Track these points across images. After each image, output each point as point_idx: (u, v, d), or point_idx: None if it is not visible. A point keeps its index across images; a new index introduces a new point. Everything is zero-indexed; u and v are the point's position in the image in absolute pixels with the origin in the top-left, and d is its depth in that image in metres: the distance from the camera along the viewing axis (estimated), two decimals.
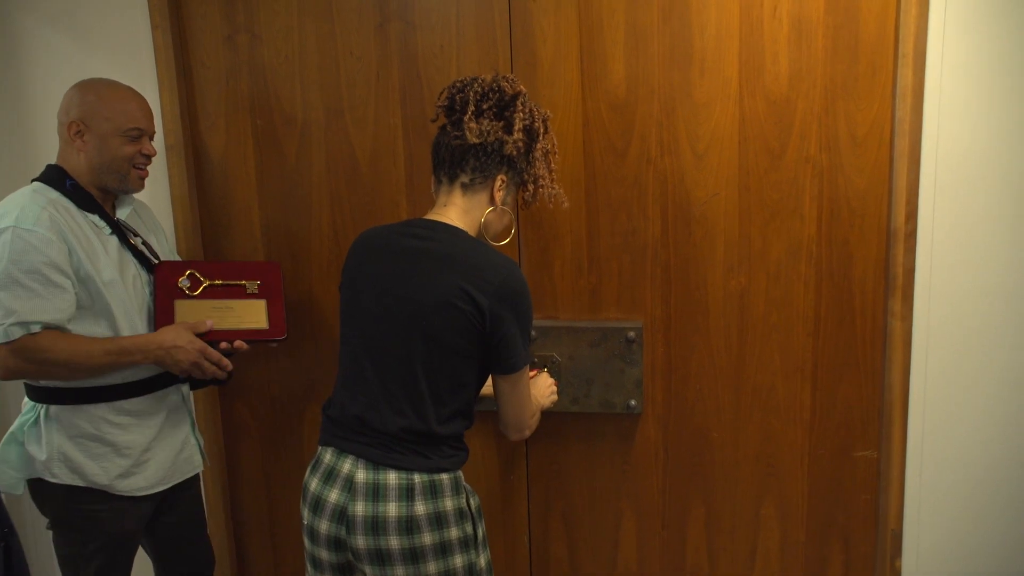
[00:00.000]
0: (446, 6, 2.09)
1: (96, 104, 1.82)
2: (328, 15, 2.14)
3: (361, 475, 1.57)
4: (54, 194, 1.82)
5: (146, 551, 2.11)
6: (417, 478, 1.56)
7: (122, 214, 1.94)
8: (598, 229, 2.11)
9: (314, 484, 1.63)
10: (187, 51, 2.23)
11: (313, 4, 2.15)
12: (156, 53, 2.20)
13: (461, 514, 1.60)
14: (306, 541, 1.66)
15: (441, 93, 1.74)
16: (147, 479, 1.92)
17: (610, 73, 2.04)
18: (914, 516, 2.09)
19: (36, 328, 1.72)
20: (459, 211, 1.67)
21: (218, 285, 2.02)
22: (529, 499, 2.29)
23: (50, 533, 1.92)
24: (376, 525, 1.54)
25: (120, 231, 1.91)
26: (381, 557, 1.55)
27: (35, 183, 1.85)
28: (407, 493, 1.55)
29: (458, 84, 1.71)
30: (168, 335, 1.83)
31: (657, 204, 2.07)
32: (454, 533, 1.58)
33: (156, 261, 2.00)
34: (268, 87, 2.21)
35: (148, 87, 2.17)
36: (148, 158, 1.90)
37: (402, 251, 1.62)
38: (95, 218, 1.86)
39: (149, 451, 1.92)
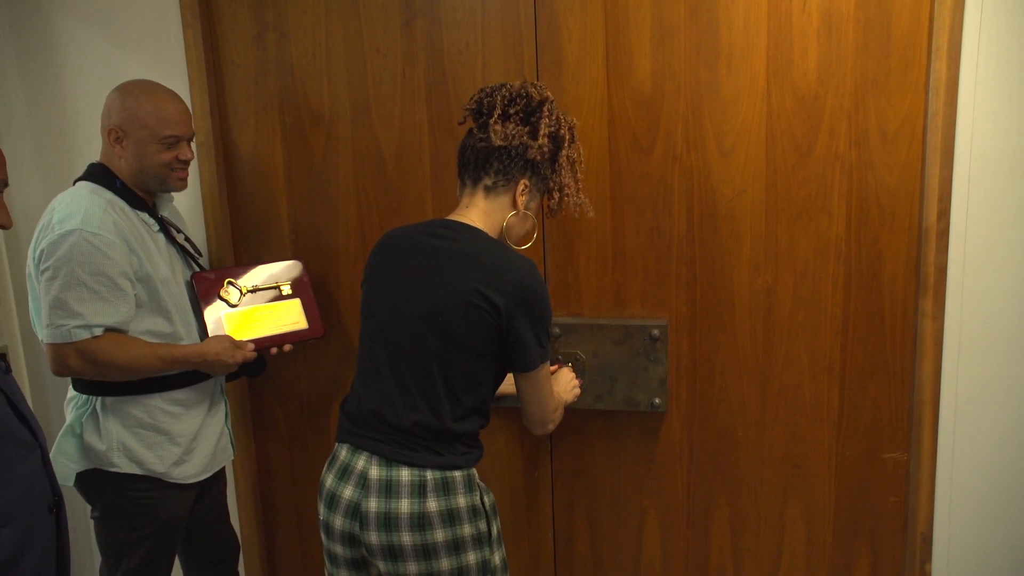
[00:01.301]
0: (472, 3, 2.09)
1: (134, 111, 1.86)
2: (355, 12, 2.16)
3: (375, 472, 1.59)
4: (108, 194, 1.87)
5: None
6: (430, 475, 1.57)
7: (164, 211, 2.01)
8: (623, 226, 2.09)
9: (329, 480, 1.66)
10: (217, 49, 2.26)
11: (340, 1, 2.16)
12: (187, 51, 2.23)
13: (474, 511, 1.61)
14: (323, 536, 1.69)
15: (471, 98, 1.74)
16: (195, 467, 2.00)
17: (636, 69, 2.02)
18: (944, 520, 2.04)
19: (99, 331, 1.77)
20: (480, 213, 1.68)
21: (255, 290, 2.07)
22: (553, 497, 2.29)
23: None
24: (389, 521, 1.56)
25: (165, 228, 1.97)
26: (394, 553, 1.57)
27: (88, 183, 1.88)
28: (419, 490, 1.56)
29: (487, 89, 1.72)
30: (213, 346, 1.91)
31: (683, 201, 2.05)
32: (467, 530, 1.59)
33: (198, 256, 2.06)
34: (296, 84, 2.23)
35: (179, 85, 2.21)
36: (186, 162, 1.94)
37: (422, 250, 1.64)
38: (145, 216, 1.92)
39: (196, 439, 2.00)
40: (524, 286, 1.58)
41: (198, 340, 1.97)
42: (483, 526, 1.63)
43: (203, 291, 1.99)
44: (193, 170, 2.26)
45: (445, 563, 1.57)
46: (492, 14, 2.08)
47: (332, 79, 2.21)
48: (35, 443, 1.41)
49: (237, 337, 1.99)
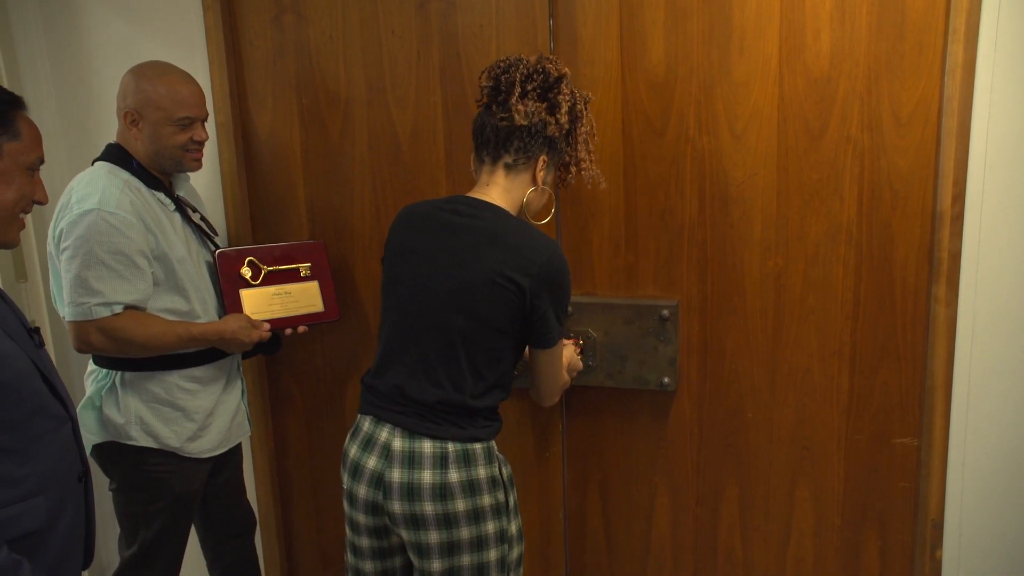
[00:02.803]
0: None
1: (149, 93, 1.89)
2: None
3: (398, 443, 1.62)
4: (125, 174, 1.90)
5: None
6: (451, 447, 1.61)
7: (180, 191, 2.04)
8: (636, 208, 2.10)
9: (353, 451, 1.70)
10: (236, 31, 2.29)
11: None
12: (207, 33, 2.27)
13: (493, 482, 1.65)
14: (345, 505, 1.73)
15: (483, 73, 1.75)
16: (210, 442, 2.04)
17: (649, 52, 2.02)
18: (956, 506, 2.04)
19: (118, 309, 1.82)
20: (501, 190, 1.70)
21: (275, 271, 2.10)
22: (565, 471, 2.32)
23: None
24: (411, 491, 1.60)
25: (181, 207, 2.00)
26: (416, 522, 1.61)
27: (106, 163, 1.92)
28: (441, 461, 1.60)
29: (502, 64, 1.71)
30: (230, 324, 1.96)
31: (695, 183, 2.05)
32: (486, 500, 1.63)
33: (214, 235, 2.09)
34: (313, 66, 2.26)
35: (199, 66, 2.25)
36: (200, 143, 1.97)
37: (445, 227, 1.66)
38: (161, 195, 1.96)
39: (212, 415, 2.04)
40: (550, 267, 1.61)
41: (215, 318, 2.02)
42: (501, 496, 1.67)
43: (224, 269, 2.03)
44: (212, 150, 2.29)
45: (465, 532, 1.61)
46: None
47: (348, 61, 2.23)
48: (67, 416, 1.47)
49: (254, 316, 2.03)
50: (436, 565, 1.62)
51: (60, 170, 2.45)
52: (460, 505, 1.60)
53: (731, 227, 2.05)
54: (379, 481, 1.63)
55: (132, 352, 1.88)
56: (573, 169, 1.76)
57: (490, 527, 1.63)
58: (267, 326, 2.01)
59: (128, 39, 2.33)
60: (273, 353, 2.15)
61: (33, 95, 2.44)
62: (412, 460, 1.61)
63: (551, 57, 1.74)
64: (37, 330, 1.47)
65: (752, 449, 2.16)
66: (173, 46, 2.29)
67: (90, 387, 1.99)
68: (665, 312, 2.08)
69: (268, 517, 2.54)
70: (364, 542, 1.71)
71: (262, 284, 2.08)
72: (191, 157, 1.96)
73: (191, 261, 1.97)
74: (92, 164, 1.95)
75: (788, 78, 1.94)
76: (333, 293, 2.19)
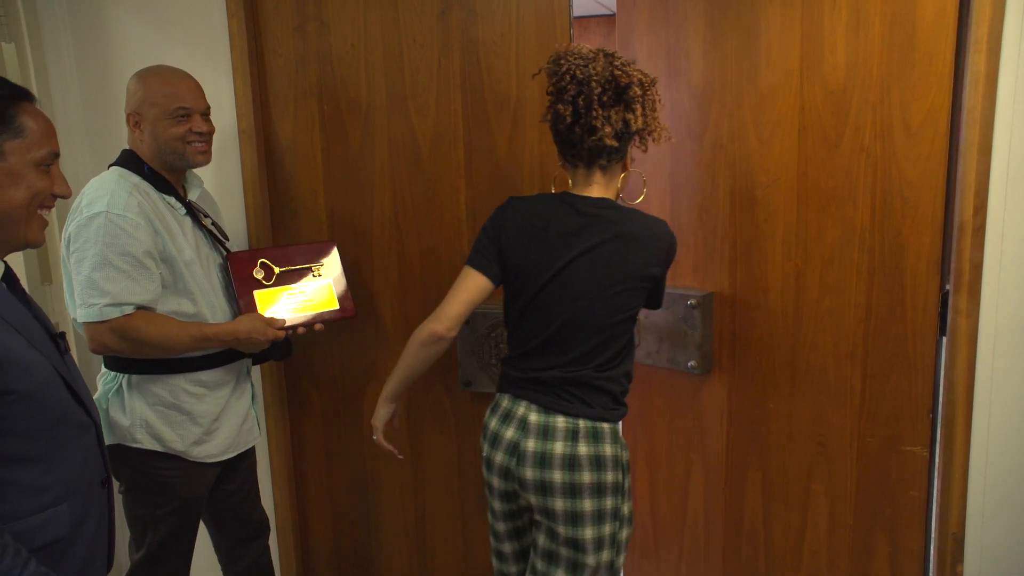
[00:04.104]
0: None
1: (144, 93, 1.92)
2: (392, 3, 2.20)
3: (534, 417, 1.78)
4: (135, 178, 1.92)
5: (203, 518, 2.21)
6: (582, 424, 1.75)
7: (193, 195, 2.05)
8: (680, 206, 2.20)
9: (493, 423, 1.85)
10: (260, 39, 2.32)
11: None
12: (231, 41, 2.30)
13: (616, 462, 1.78)
14: (484, 470, 1.88)
15: (560, 92, 1.71)
16: (216, 447, 2.04)
17: (692, 68, 2.11)
18: (977, 520, 2.01)
19: (129, 309, 1.83)
20: (602, 187, 1.81)
21: (288, 271, 2.11)
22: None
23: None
24: (543, 459, 1.75)
25: (192, 212, 2.02)
26: (545, 488, 1.75)
27: (117, 168, 1.95)
28: (572, 435, 1.75)
29: (574, 82, 1.70)
30: (244, 324, 1.95)
31: (727, 186, 2.14)
32: (609, 477, 1.76)
33: (225, 240, 2.10)
34: (335, 74, 2.28)
35: (223, 73, 2.28)
36: (202, 135, 1.96)
37: (582, 225, 1.76)
38: (171, 199, 1.97)
39: (218, 420, 2.03)
40: (672, 250, 1.82)
41: (222, 321, 2.01)
42: (620, 476, 1.79)
43: (237, 270, 2.04)
44: (234, 156, 2.32)
45: (587, 503, 1.74)
46: (526, 5, 2.11)
47: (370, 69, 2.25)
48: (90, 422, 1.45)
49: (270, 316, 2.03)
50: (561, 530, 1.76)
51: (84, 171, 2.48)
52: (586, 477, 1.73)
53: (757, 227, 2.12)
54: (514, 449, 1.79)
55: (146, 352, 1.89)
56: (649, 139, 1.83)
57: (608, 503, 1.76)
58: (283, 322, 2.01)
59: (154, 46, 2.37)
60: (284, 358, 2.13)
61: (61, 98, 2.48)
62: (546, 432, 1.75)
63: (617, 61, 1.73)
64: (63, 335, 1.46)
65: (773, 438, 2.21)
66: (197, 54, 2.32)
67: (99, 389, 2.01)
68: (692, 301, 2.17)
69: (285, 521, 2.55)
70: (497, 504, 1.87)
71: (275, 284, 2.08)
72: (194, 149, 1.95)
73: (200, 265, 1.97)
74: (108, 169, 1.97)
75: (808, 89, 1.96)
76: (348, 291, 2.19)
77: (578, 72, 1.69)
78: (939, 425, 2.02)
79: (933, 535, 2.09)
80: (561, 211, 1.77)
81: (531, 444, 1.76)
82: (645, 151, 1.87)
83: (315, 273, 2.15)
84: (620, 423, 1.83)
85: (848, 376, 2.08)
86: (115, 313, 1.81)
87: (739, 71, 2.06)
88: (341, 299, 2.17)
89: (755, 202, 2.10)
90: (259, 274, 2.06)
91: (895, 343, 2.02)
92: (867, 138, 1.95)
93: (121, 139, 2.13)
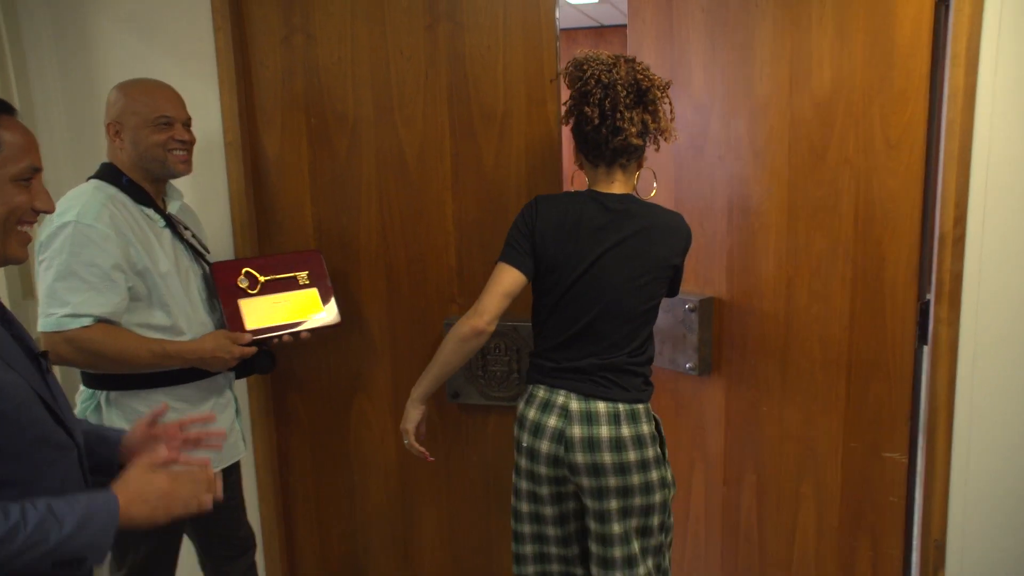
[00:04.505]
0: (494, 8, 2.13)
1: (125, 102, 1.91)
2: (380, 16, 2.21)
3: (574, 405, 1.87)
4: (112, 190, 1.90)
5: (188, 535, 2.19)
6: (621, 407, 1.87)
7: (172, 208, 2.03)
8: (682, 212, 2.22)
9: (532, 413, 1.91)
10: (247, 52, 2.32)
11: (366, 5, 2.21)
12: (217, 53, 2.29)
13: (653, 437, 1.90)
14: (524, 461, 1.93)
15: (587, 97, 1.79)
16: None
17: (693, 79, 2.18)
18: (959, 528, 2.04)
19: (87, 321, 1.79)
20: (623, 184, 1.90)
21: (273, 280, 2.11)
22: None
23: None
24: (592, 444, 1.85)
25: (172, 224, 2.00)
26: (596, 470, 1.85)
27: (96, 180, 1.93)
28: (614, 419, 1.86)
29: (599, 86, 1.79)
30: (208, 343, 1.92)
31: (724, 194, 2.24)
32: (650, 452, 1.88)
33: (206, 253, 2.09)
34: (322, 86, 2.29)
35: (209, 86, 2.27)
36: (183, 143, 1.95)
37: (612, 221, 1.85)
38: (150, 211, 1.95)
39: None
40: (690, 240, 1.94)
41: (198, 335, 1.98)
42: (659, 448, 1.92)
43: (221, 281, 2.02)
44: (220, 168, 2.32)
45: (635, 478, 1.86)
46: (513, 18, 2.12)
47: (357, 81, 2.26)
48: (72, 444, 1.40)
49: (254, 325, 2.02)
50: (613, 504, 1.87)
51: (69, 185, 2.45)
52: (631, 456, 1.85)
53: (752, 236, 2.19)
54: (560, 436, 1.87)
55: (104, 367, 1.86)
56: (661, 138, 1.92)
57: (653, 474, 1.88)
58: (248, 338, 1.97)
59: (140, 58, 2.36)
60: (268, 371, 2.11)
61: (44, 110, 2.46)
62: (590, 418, 1.85)
63: (639, 67, 1.83)
64: (45, 355, 1.41)
65: (766, 441, 2.27)
66: (184, 66, 2.31)
67: (77, 408, 1.98)
68: (689, 305, 2.25)
69: (271, 534, 2.54)
70: (544, 490, 1.93)
71: (260, 293, 2.07)
72: (176, 158, 1.94)
73: (177, 277, 1.94)
74: (87, 181, 1.95)
75: (797, 101, 2.01)
76: (333, 299, 2.19)
77: (603, 76, 1.79)
78: (921, 433, 2.05)
79: (916, 542, 2.12)
80: (590, 207, 1.86)
81: (577, 431, 1.85)
82: (657, 150, 1.95)
83: (300, 282, 2.15)
84: (649, 402, 1.95)
85: (834, 382, 2.13)
86: (72, 324, 1.78)
87: (735, 84, 2.13)
88: (326, 307, 2.17)
89: (750, 211, 2.18)
90: (243, 283, 2.05)
91: (876, 351, 2.06)
92: (851, 150, 1.99)
93: (105, 151, 2.12)
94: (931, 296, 1.99)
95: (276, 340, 2.05)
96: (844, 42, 1.95)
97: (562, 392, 1.89)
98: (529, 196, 2.20)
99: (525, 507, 1.98)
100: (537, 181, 2.19)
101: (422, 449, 2.02)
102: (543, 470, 1.91)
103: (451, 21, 2.17)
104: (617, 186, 1.89)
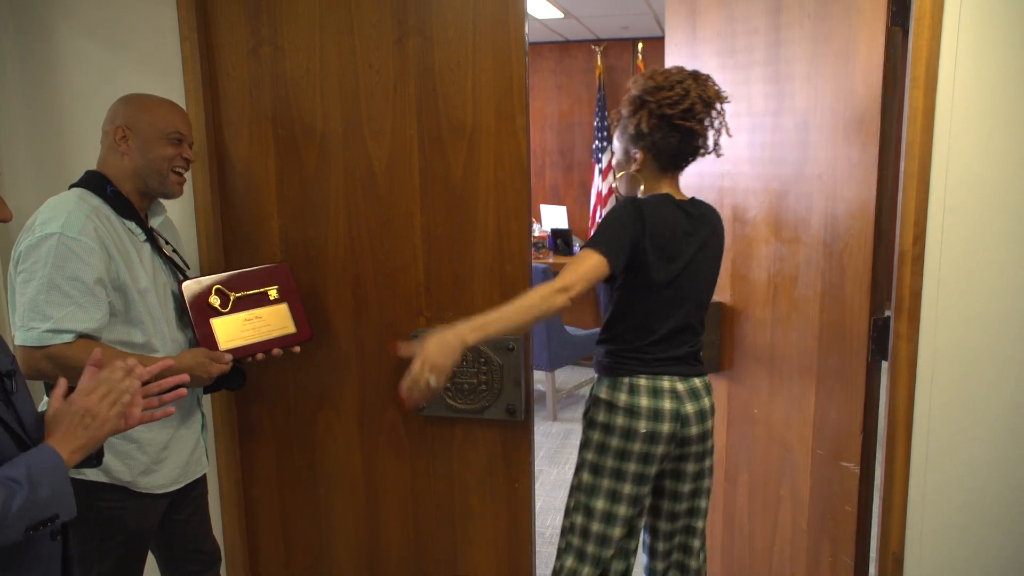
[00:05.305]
0: (463, 23, 2.14)
1: (140, 111, 1.89)
2: (349, 29, 2.21)
3: (680, 386, 2.05)
4: (96, 200, 1.86)
5: (152, 550, 2.15)
6: (706, 380, 2.12)
7: (155, 223, 2.00)
8: None
9: (645, 401, 2.03)
10: (213, 62, 2.31)
11: (334, 18, 2.21)
12: (184, 63, 2.28)
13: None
14: (640, 445, 2.02)
15: (682, 109, 1.93)
16: (165, 477, 1.98)
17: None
18: (916, 541, 2.08)
19: (69, 337, 1.75)
20: (678, 187, 2.09)
21: (244, 296, 2.09)
22: None
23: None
24: (702, 415, 2.07)
25: (153, 239, 1.97)
26: (704, 436, 2.09)
27: (78, 188, 1.89)
28: (707, 390, 2.11)
29: (701, 102, 1.95)
30: (186, 360, 1.89)
31: (729, 204, 2.43)
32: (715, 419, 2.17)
33: (186, 268, 2.07)
34: (290, 98, 2.28)
35: (175, 96, 2.24)
36: (187, 162, 1.96)
37: (691, 224, 2.03)
38: (132, 225, 1.92)
39: (167, 449, 1.98)
40: None
41: (172, 353, 1.95)
42: None
43: (192, 300, 2.01)
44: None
45: (710, 442, 2.12)
46: (483, 33, 2.13)
47: (325, 93, 2.25)
48: None
49: (227, 344, 2.00)
50: (707, 463, 2.13)
51: (28, 195, 2.42)
52: (712, 420, 2.12)
53: (748, 245, 2.32)
54: (677, 415, 2.03)
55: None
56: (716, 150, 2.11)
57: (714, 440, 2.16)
58: (228, 357, 1.96)
59: (104, 68, 2.33)
60: (239, 387, 2.11)
61: (3, 119, 2.42)
62: (695, 394, 2.07)
63: (708, 77, 1.99)
64: (10, 375, 1.35)
65: (756, 443, 2.38)
66: (149, 75, 2.29)
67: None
68: None
69: (234, 548, 2.51)
70: (653, 469, 2.06)
71: (232, 311, 2.06)
72: (176, 179, 1.93)
73: (155, 293, 1.92)
74: (68, 189, 1.92)
75: (781, 121, 2.09)
76: (304, 313, 2.18)
77: (703, 94, 1.96)
78: (880, 447, 2.09)
79: (873, 554, 2.15)
80: (677, 213, 2.01)
81: (689, 407, 2.05)
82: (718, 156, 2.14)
83: (271, 296, 2.14)
84: None
85: (807, 390, 2.22)
86: (54, 340, 1.74)
87: (736, 101, 2.20)
88: (298, 323, 2.16)
89: (746, 222, 2.33)
90: (215, 301, 2.03)
91: (838, 362, 2.13)
92: (822, 167, 2.07)
93: (71, 168, 2.09)
94: (890, 312, 2.03)
95: (250, 359, 2.04)
96: (813, 75, 2.09)
97: (665, 378, 2.04)
98: (498, 210, 2.21)
99: (628, 489, 2.06)
100: (506, 194, 2.20)
101: (438, 389, 1.80)
102: (660, 449, 2.04)
103: (420, 35, 2.17)
104: (678, 190, 2.08)
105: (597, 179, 7.06)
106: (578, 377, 5.90)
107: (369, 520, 2.49)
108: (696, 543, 2.18)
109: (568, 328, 5.08)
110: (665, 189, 2.05)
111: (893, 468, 2.05)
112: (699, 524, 2.17)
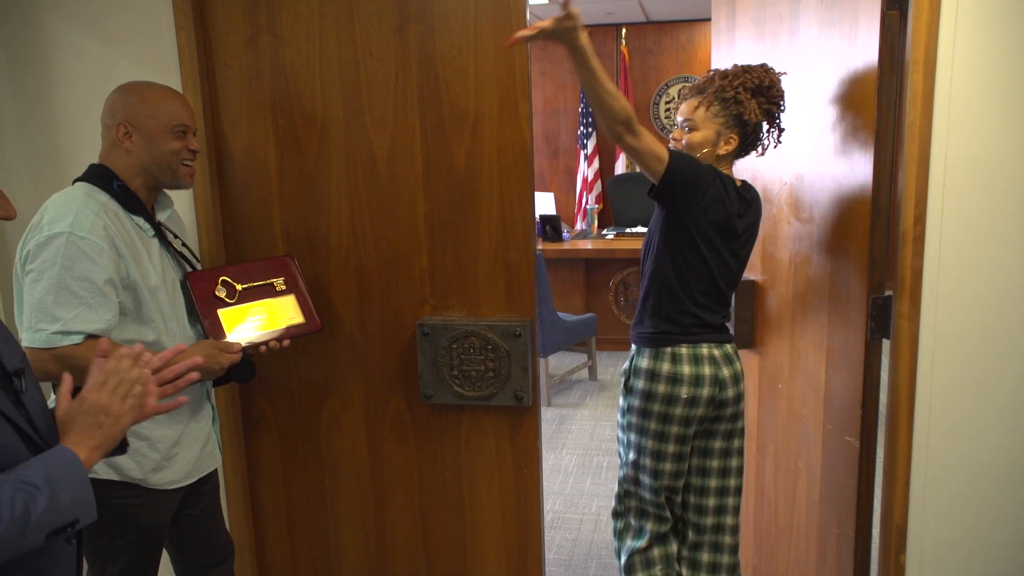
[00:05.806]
0: (464, 10, 2.13)
1: (140, 105, 1.84)
2: (349, 17, 2.19)
3: (717, 352, 2.21)
4: (103, 196, 1.82)
5: (165, 545, 2.13)
6: (735, 347, 2.29)
7: (162, 216, 1.97)
8: None
9: (687, 368, 2.18)
10: (210, 52, 2.28)
11: (334, 7, 2.20)
12: (180, 53, 2.25)
13: None
14: (681, 409, 2.19)
15: (779, 104, 2.16)
16: (176, 472, 1.97)
17: None
18: (919, 514, 2.12)
19: (78, 339, 1.73)
20: None
21: (250, 288, 2.08)
22: None
23: None
24: (735, 378, 2.24)
25: (161, 233, 1.95)
26: (739, 398, 2.26)
27: (84, 184, 1.85)
28: (736, 355, 2.28)
29: (784, 103, 2.18)
30: (195, 352, 1.86)
31: (760, 185, 2.45)
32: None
33: (196, 262, 2.05)
34: (289, 87, 2.26)
35: (172, 86, 2.21)
36: (194, 153, 1.92)
37: (743, 206, 2.17)
38: (140, 220, 1.88)
39: (178, 445, 1.96)
40: None
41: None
42: None
43: (198, 291, 1.99)
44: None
45: (742, 404, 2.29)
46: (484, 20, 2.13)
47: (325, 82, 2.24)
48: None
49: (235, 335, 1.99)
50: (739, 424, 2.29)
51: (22, 191, 2.40)
52: (744, 384, 2.29)
53: (775, 226, 2.43)
54: (715, 380, 2.19)
55: None
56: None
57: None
58: (238, 347, 1.95)
59: (98, 60, 2.30)
60: (248, 380, 2.09)
61: None
62: (729, 360, 2.23)
63: (772, 72, 2.15)
64: (20, 373, 1.32)
65: (780, 416, 2.45)
66: (145, 66, 2.26)
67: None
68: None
69: (241, 541, 2.51)
70: (692, 430, 2.22)
71: (239, 302, 2.04)
72: (186, 170, 1.90)
73: (165, 290, 1.90)
74: (73, 184, 1.88)
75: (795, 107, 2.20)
76: (310, 304, 2.17)
77: (775, 81, 2.15)
78: (882, 423, 2.12)
79: (877, 527, 2.19)
80: (734, 193, 2.15)
81: (726, 371, 2.21)
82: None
83: (277, 288, 2.13)
84: None
85: (819, 365, 2.27)
86: (63, 341, 1.72)
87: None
88: (305, 313, 2.14)
89: (772, 203, 2.46)
90: (221, 292, 2.01)
91: (843, 339, 2.15)
92: (829, 148, 2.13)
93: (67, 162, 2.06)
94: (892, 292, 2.07)
95: (263, 348, 2.02)
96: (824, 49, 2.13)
97: (704, 345, 2.20)
98: (501, 197, 2.22)
99: (672, 448, 2.24)
100: (510, 182, 2.20)
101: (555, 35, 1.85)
102: (700, 412, 2.20)
103: (421, 23, 2.16)
104: (731, 173, 2.23)
105: (583, 165, 7.07)
106: (570, 363, 5.92)
107: (376, 510, 2.50)
108: (729, 520, 2.30)
109: (561, 314, 5.09)
110: (726, 171, 2.18)
111: (896, 445, 2.08)
112: (729, 501, 2.29)
